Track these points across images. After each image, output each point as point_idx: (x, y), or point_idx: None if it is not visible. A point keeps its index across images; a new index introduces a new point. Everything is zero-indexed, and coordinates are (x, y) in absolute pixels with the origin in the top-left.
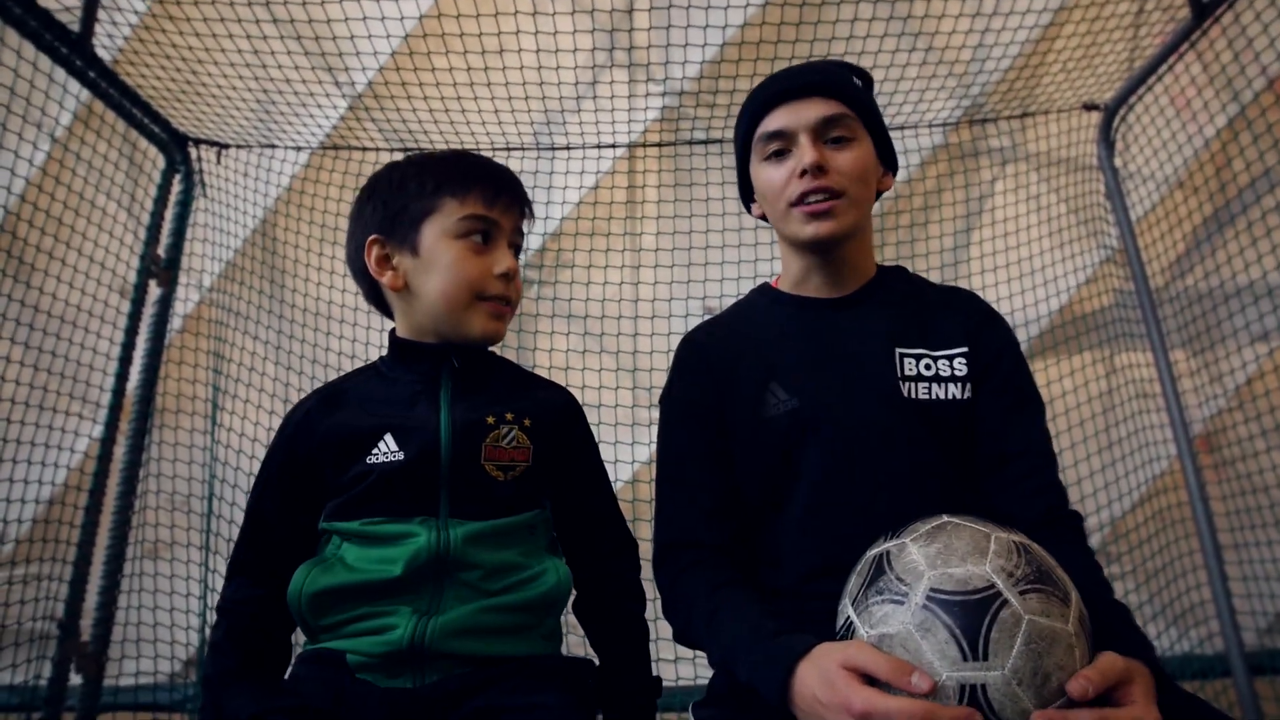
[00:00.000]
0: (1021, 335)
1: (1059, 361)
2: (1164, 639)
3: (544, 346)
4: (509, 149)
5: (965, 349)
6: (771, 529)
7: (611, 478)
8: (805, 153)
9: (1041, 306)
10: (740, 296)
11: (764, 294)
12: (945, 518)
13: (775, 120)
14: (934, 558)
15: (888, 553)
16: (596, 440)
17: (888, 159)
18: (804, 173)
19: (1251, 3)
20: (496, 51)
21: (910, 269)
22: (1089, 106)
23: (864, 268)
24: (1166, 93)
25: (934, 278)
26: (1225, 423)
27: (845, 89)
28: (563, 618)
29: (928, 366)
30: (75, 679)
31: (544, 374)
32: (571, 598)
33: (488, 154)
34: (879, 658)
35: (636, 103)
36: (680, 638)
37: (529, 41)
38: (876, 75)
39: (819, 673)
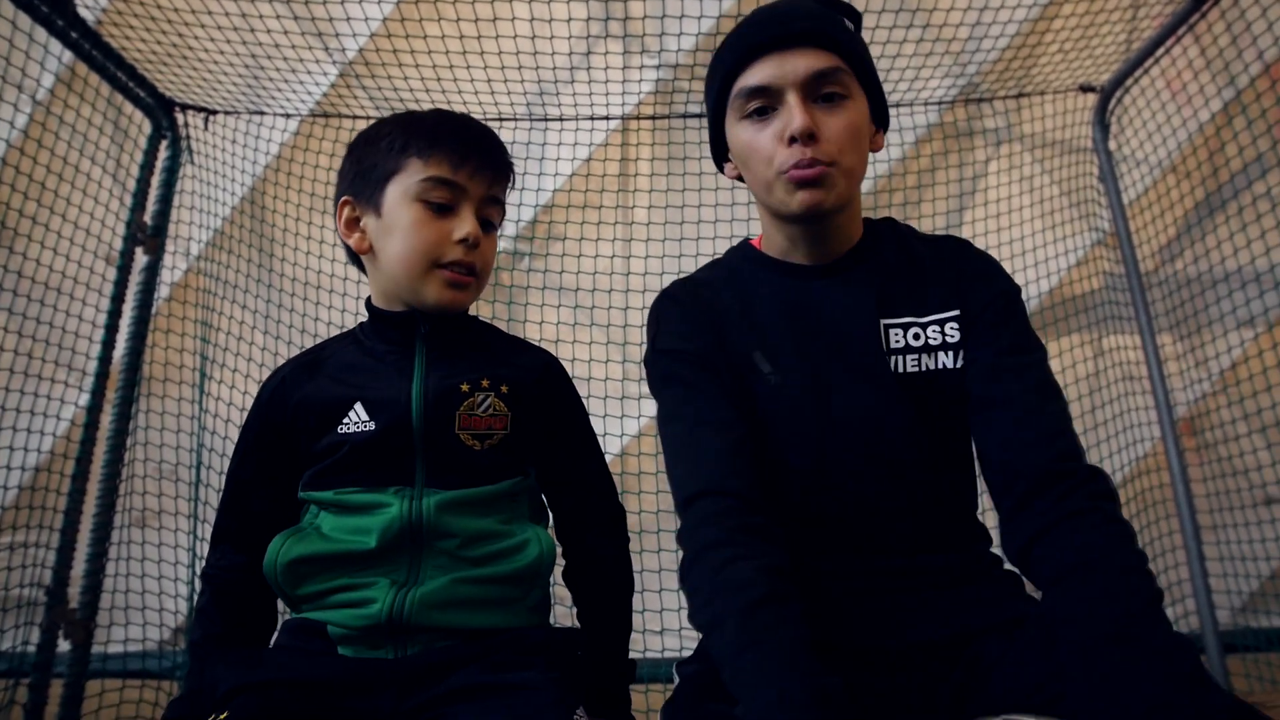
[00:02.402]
0: None
1: (1047, 343)
2: None
3: (534, 319)
4: (501, 119)
5: (956, 312)
6: (769, 496)
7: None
8: (794, 116)
9: (1032, 288)
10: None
11: (745, 254)
12: None
13: (758, 74)
14: None
15: None
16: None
17: (879, 114)
18: (792, 139)
19: None
20: (490, 20)
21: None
22: (1085, 88)
23: (851, 232)
24: (1163, 76)
25: None
26: (1208, 406)
27: (840, 36)
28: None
29: (916, 336)
30: (64, 646)
31: None
32: (560, 566)
33: None
34: None
35: (630, 75)
36: (694, 625)
37: (523, 10)
38: (872, 52)
39: None
